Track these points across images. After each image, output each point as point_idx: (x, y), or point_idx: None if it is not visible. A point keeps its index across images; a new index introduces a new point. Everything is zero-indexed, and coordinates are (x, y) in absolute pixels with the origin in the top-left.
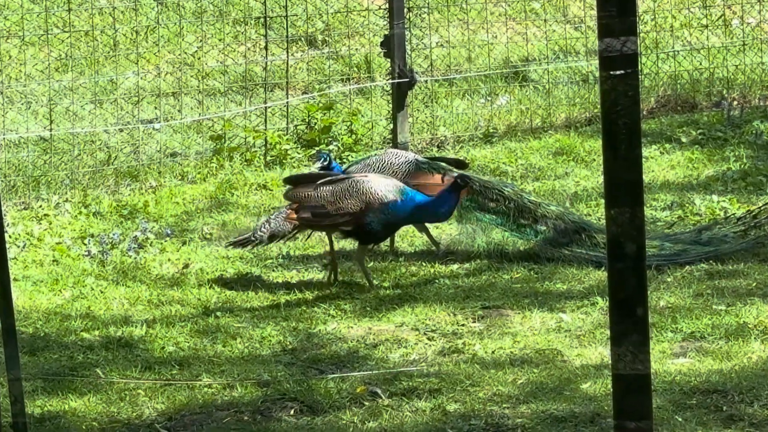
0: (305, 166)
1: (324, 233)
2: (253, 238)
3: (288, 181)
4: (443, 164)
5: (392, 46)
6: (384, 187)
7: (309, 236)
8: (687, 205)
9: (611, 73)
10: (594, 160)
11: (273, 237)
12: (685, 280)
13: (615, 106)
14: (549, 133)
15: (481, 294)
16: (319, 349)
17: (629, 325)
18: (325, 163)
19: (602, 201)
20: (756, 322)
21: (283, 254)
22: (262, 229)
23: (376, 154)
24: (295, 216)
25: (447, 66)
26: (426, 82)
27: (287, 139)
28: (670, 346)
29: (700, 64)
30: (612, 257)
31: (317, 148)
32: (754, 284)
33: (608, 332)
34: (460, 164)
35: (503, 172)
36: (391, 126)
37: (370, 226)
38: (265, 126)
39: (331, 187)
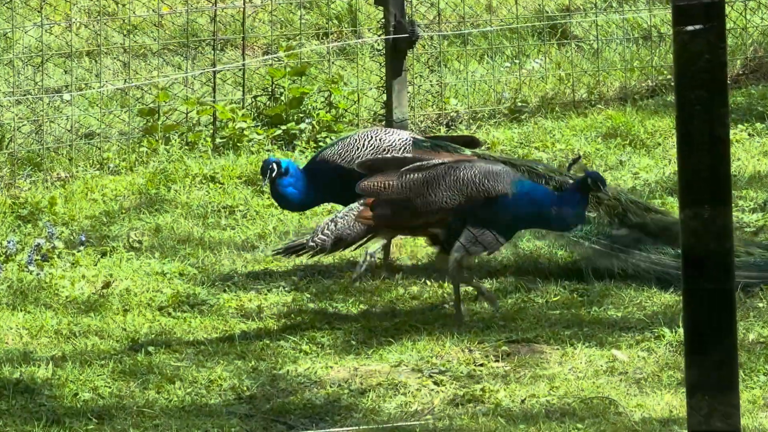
0: (267, 150)
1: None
2: (311, 243)
3: (363, 166)
4: (451, 144)
5: None
6: (493, 177)
7: (387, 246)
8: None
9: (686, 28)
10: (659, 144)
11: (339, 242)
12: None
13: (691, 71)
14: (597, 108)
15: (506, 323)
16: (287, 396)
17: (709, 367)
18: (274, 176)
19: (670, 199)
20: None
21: (237, 269)
22: (325, 231)
23: (357, 133)
24: (369, 214)
25: (459, 18)
26: (431, 39)
27: (243, 115)
28: (763, 393)
29: None
30: (687, 274)
31: (266, 150)
32: None
33: (680, 375)
34: (471, 143)
35: (536, 159)
36: (384, 98)
37: (472, 229)
38: (214, 97)
39: (421, 175)
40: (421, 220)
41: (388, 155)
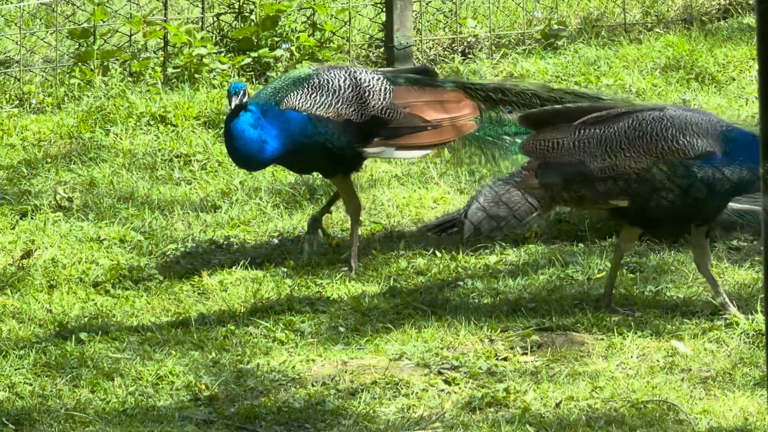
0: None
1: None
2: (466, 222)
3: (527, 120)
4: (431, 79)
5: None
6: (693, 129)
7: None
8: None
9: None
10: (733, 79)
11: (496, 219)
12: None
13: None
14: (655, 33)
15: (536, 307)
16: (257, 397)
17: None
18: (241, 101)
19: None
20: None
21: (194, 236)
22: (479, 205)
23: (319, 73)
24: (536, 183)
25: None
26: None
27: (203, 39)
28: None
29: None
30: None
31: (231, 81)
32: None
33: (758, 374)
34: (427, 74)
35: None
36: (383, 18)
37: (665, 199)
38: (165, 14)
39: (599, 130)
40: (600, 188)
41: (532, 104)
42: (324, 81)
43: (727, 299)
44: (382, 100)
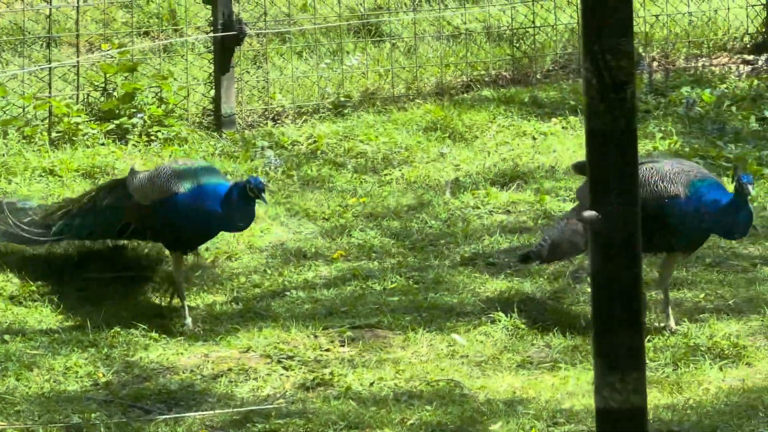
0: (101, 144)
1: None
2: (534, 249)
3: (576, 168)
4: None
5: None
6: (669, 177)
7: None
8: None
9: None
10: (476, 137)
11: (555, 249)
12: None
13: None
14: (416, 103)
15: (347, 310)
16: (142, 382)
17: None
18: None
19: (493, 189)
20: (710, 344)
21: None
22: (545, 235)
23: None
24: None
25: (283, 14)
26: (258, 36)
27: (78, 110)
28: None
29: None
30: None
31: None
32: (702, 295)
33: (519, 358)
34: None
35: (361, 153)
36: (213, 93)
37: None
38: (50, 92)
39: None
40: None
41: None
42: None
43: (671, 314)
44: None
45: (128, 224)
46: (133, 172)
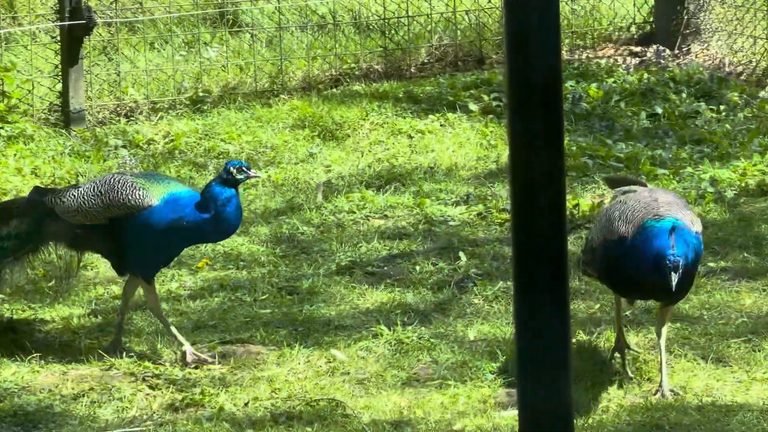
0: None
1: None
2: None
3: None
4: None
5: None
6: (623, 217)
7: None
8: (490, 198)
9: None
10: (349, 135)
11: None
12: (500, 300)
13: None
14: (282, 99)
15: (216, 324)
16: None
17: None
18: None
19: (368, 192)
20: (609, 359)
21: None
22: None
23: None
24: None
25: (133, 1)
26: (108, 25)
27: None
28: (493, 392)
29: (489, 0)
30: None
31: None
32: (598, 306)
33: (404, 375)
34: None
35: (223, 153)
36: (60, 87)
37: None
38: None
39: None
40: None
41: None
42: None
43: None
44: None
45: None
46: (50, 191)
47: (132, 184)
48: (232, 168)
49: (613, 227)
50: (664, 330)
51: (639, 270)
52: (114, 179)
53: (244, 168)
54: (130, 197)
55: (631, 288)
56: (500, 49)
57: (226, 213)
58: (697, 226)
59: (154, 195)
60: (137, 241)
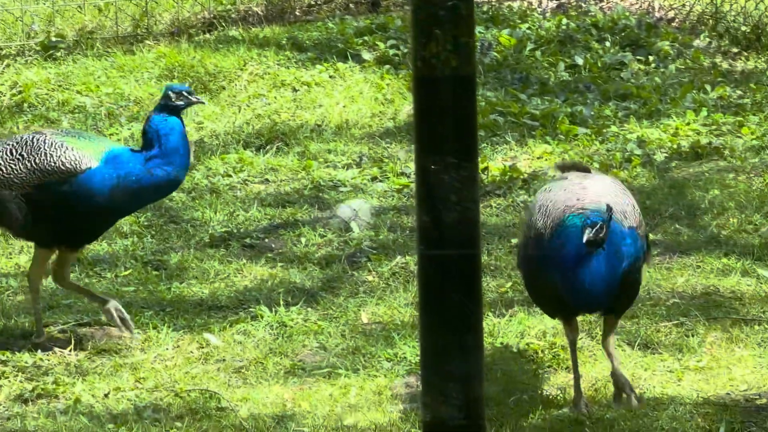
0: None
1: None
2: None
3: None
4: None
5: None
6: (541, 211)
7: None
8: (386, 160)
9: None
10: (223, 88)
11: None
12: (399, 277)
13: None
14: (147, 45)
15: (71, 303)
16: None
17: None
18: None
19: (247, 153)
20: (522, 344)
21: None
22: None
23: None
24: None
25: None
26: None
27: None
28: (389, 383)
29: None
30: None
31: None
32: (509, 285)
33: (287, 362)
34: None
35: (79, 107)
36: None
37: None
38: None
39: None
40: None
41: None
42: None
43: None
44: None
45: None
46: None
47: (62, 145)
48: (170, 93)
49: (531, 221)
50: (612, 339)
51: (563, 276)
52: (38, 139)
53: (184, 93)
54: (63, 160)
55: (554, 298)
56: None
57: (172, 142)
58: (632, 220)
59: (90, 155)
60: (72, 210)
